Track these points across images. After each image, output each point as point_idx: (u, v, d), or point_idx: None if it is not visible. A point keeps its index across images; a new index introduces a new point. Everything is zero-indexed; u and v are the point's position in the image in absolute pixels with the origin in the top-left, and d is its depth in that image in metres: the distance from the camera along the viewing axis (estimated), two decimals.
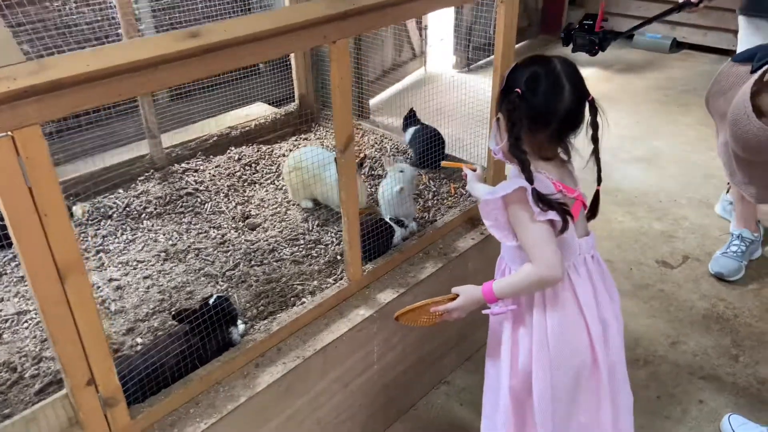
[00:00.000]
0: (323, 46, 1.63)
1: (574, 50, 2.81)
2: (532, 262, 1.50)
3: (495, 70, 2.20)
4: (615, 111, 4.80)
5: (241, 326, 1.81)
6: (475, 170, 1.97)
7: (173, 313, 1.65)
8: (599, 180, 1.64)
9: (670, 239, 3.25)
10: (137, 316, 1.90)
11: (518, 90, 1.49)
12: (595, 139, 1.56)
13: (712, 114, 2.38)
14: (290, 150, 2.81)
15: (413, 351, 2.14)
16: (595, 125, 1.55)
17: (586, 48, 2.75)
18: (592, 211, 1.68)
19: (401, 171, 2.30)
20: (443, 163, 2.38)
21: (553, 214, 1.47)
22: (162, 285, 2.03)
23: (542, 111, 1.49)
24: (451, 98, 2.60)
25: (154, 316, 1.90)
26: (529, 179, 1.48)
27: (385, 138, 2.91)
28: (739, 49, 2.76)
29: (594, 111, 1.54)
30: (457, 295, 1.66)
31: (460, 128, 2.63)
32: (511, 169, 1.63)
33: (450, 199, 2.45)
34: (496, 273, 1.75)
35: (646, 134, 4.41)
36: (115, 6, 2.34)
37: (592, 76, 5.48)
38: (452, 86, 2.52)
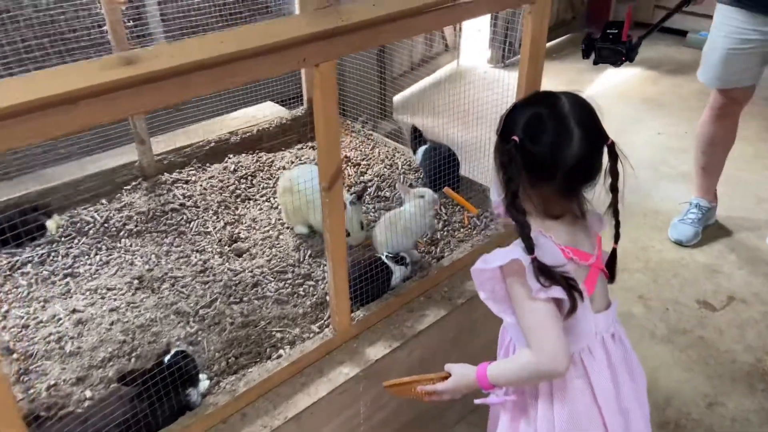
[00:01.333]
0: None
1: (596, 62, 2.49)
2: (530, 349, 1.23)
3: (519, 89, 1.90)
4: (660, 118, 4.41)
5: (204, 383, 1.57)
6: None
7: (119, 375, 1.42)
8: (617, 237, 1.37)
9: (713, 275, 2.91)
10: (92, 360, 1.68)
11: (515, 138, 1.22)
12: (614, 190, 1.30)
13: None
14: (292, 162, 2.55)
15: (409, 408, 1.89)
16: (614, 173, 1.28)
17: (611, 60, 2.43)
18: (609, 274, 1.39)
19: (421, 196, 2.02)
20: (446, 190, 2.10)
21: (557, 291, 1.20)
22: (127, 322, 1.81)
23: (545, 162, 1.23)
24: (482, 96, 2.34)
25: (111, 363, 1.68)
26: (529, 247, 1.21)
27: (398, 152, 2.62)
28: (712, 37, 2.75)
29: (614, 157, 1.27)
30: (449, 375, 1.39)
31: (490, 131, 2.35)
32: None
33: (462, 230, 2.17)
34: (499, 348, 1.48)
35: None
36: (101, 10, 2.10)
37: (637, 77, 5.07)
38: (484, 83, 2.23)
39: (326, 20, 1.30)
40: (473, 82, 4.53)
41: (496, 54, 5.11)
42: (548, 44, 4.14)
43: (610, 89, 3.35)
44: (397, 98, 4.30)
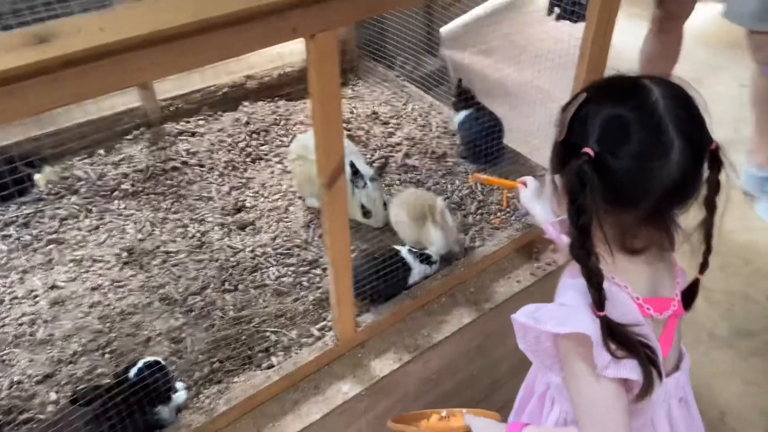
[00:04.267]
0: None
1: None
2: (581, 430, 0.95)
3: (582, 57, 1.53)
4: (746, 67, 3.85)
5: (180, 394, 1.37)
6: (524, 184, 1.40)
7: (73, 396, 1.22)
8: (704, 266, 1.03)
9: None
10: (62, 353, 1.49)
11: (588, 151, 0.89)
12: (711, 206, 0.96)
13: None
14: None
15: None
16: (714, 185, 0.95)
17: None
18: (686, 304, 1.07)
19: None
20: (474, 176, 1.76)
21: (629, 368, 0.91)
22: (108, 305, 1.60)
23: (630, 184, 0.90)
24: (539, 34, 1.97)
25: (83, 358, 1.48)
26: (599, 303, 0.91)
27: (434, 110, 2.28)
28: None
29: (717, 165, 0.93)
30: (469, 430, 1.14)
31: (542, 77, 1.98)
32: (567, 269, 1.04)
33: (499, 215, 1.85)
34: (525, 394, 1.21)
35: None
36: None
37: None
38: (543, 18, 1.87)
39: None
40: (534, 14, 4.03)
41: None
42: None
43: (687, 30, 2.90)
44: (446, 30, 3.85)
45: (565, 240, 1.03)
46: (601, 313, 0.91)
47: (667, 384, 1.05)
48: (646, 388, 0.92)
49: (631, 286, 0.97)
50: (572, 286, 0.97)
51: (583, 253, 0.91)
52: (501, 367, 1.79)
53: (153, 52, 0.88)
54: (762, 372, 2.14)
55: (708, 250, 1.01)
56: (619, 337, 0.91)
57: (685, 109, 0.91)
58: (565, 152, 0.94)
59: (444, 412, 1.28)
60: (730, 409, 2.03)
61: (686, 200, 0.95)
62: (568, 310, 0.94)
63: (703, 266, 1.03)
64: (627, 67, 1.03)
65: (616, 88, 0.96)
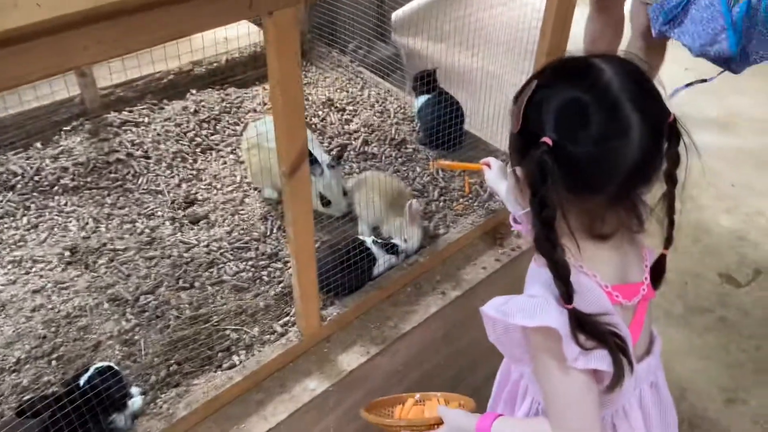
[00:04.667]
0: None
1: None
2: (552, 424, 0.94)
3: (543, 36, 1.51)
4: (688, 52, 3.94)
5: (136, 400, 1.28)
6: (488, 166, 1.37)
7: (19, 408, 1.12)
8: (668, 241, 1.01)
9: (739, 243, 2.60)
10: (4, 362, 1.38)
11: (547, 140, 0.85)
12: (671, 180, 0.94)
13: None
14: (265, 104, 2.15)
15: None
16: (674, 158, 0.92)
17: None
18: (654, 282, 1.04)
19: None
20: (437, 163, 1.73)
21: (599, 358, 0.88)
22: (52, 308, 1.50)
23: (593, 168, 0.87)
24: (492, 18, 1.93)
25: (27, 366, 1.38)
26: (567, 296, 0.87)
27: (391, 95, 2.22)
28: None
29: (676, 137, 0.91)
30: (440, 421, 1.10)
31: (497, 62, 1.95)
32: (534, 261, 1.00)
33: (461, 201, 1.82)
34: (500, 386, 1.18)
35: (725, 87, 3.58)
36: None
37: None
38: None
39: None
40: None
41: None
42: None
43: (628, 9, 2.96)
44: (397, 15, 3.79)
45: (531, 232, 1.00)
46: (569, 306, 0.88)
47: (638, 371, 1.03)
48: (617, 379, 0.90)
49: (600, 275, 0.94)
50: (539, 276, 0.94)
51: (548, 246, 0.87)
52: (467, 355, 1.77)
53: (97, 29, 0.80)
54: (716, 347, 2.19)
55: (671, 225, 0.99)
56: (588, 327, 0.88)
57: (639, 84, 0.88)
58: (522, 143, 0.91)
59: (418, 396, 1.25)
60: (689, 385, 2.07)
61: (651, 177, 0.92)
62: (536, 302, 0.91)
63: (668, 241, 1.01)
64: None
65: (567, 71, 0.92)
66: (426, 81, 1.93)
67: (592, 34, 2.72)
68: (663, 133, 0.89)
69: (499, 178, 1.36)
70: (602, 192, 0.89)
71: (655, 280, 1.04)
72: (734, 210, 2.76)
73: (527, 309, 0.90)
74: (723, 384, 2.08)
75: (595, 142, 0.85)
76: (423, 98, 1.97)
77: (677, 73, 3.68)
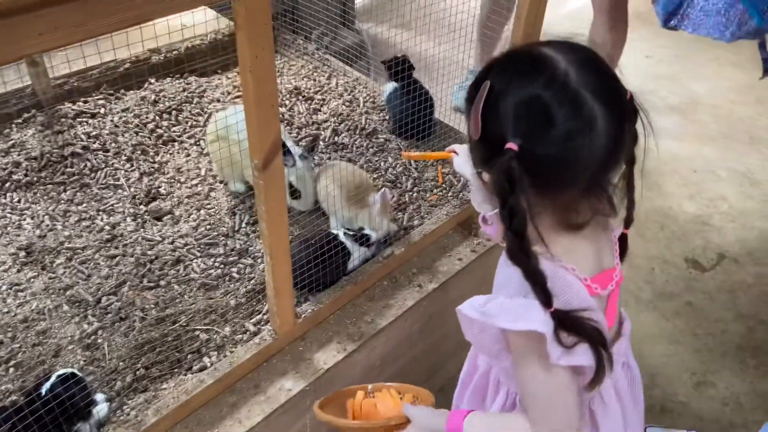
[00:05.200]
0: None
1: None
2: (530, 420, 0.92)
3: (518, 21, 1.47)
4: (650, 38, 3.99)
5: (102, 407, 1.21)
6: (455, 152, 1.34)
7: None
8: (629, 221, 1.00)
9: (703, 228, 2.64)
10: None
11: (512, 146, 0.81)
12: (630, 158, 0.93)
13: None
14: (228, 93, 2.08)
15: None
16: (633, 136, 0.91)
17: None
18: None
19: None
20: (405, 155, 1.69)
21: (581, 353, 0.87)
22: (7, 312, 1.41)
23: (564, 169, 0.84)
24: (456, 6, 1.88)
25: None
26: (547, 300, 0.85)
27: (360, 84, 2.17)
28: None
29: (633, 114, 0.89)
30: (408, 421, 1.07)
31: (463, 51, 1.91)
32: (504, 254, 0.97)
33: (435, 192, 1.79)
34: (468, 376, 1.16)
35: (685, 74, 3.65)
36: None
37: None
38: None
39: None
40: None
41: None
42: None
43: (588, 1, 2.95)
44: (361, 2, 3.73)
45: (500, 231, 0.97)
46: (551, 309, 0.85)
47: (612, 354, 1.02)
48: (599, 374, 0.88)
49: (579, 268, 0.91)
50: (515, 273, 0.89)
51: (521, 255, 0.84)
52: (442, 347, 1.75)
53: (53, 13, 0.73)
54: (685, 332, 2.22)
55: (631, 204, 0.97)
56: (569, 324, 0.86)
57: (596, 71, 0.85)
58: (485, 149, 0.87)
59: (370, 387, 1.19)
60: (658, 370, 2.09)
61: (620, 159, 0.90)
62: (518, 304, 0.88)
63: (628, 221, 1.00)
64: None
65: (519, 66, 0.87)
66: (394, 68, 1.88)
67: (595, 39, 2.64)
68: (626, 115, 0.87)
69: (466, 163, 1.34)
70: (575, 185, 0.87)
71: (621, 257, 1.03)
72: (697, 196, 2.81)
73: (510, 311, 0.87)
74: (692, 368, 2.11)
75: (562, 140, 0.82)
76: (391, 86, 1.92)
77: (639, 61, 3.73)
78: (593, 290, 0.92)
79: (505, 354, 0.98)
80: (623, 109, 0.86)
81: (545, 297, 0.84)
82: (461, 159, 1.33)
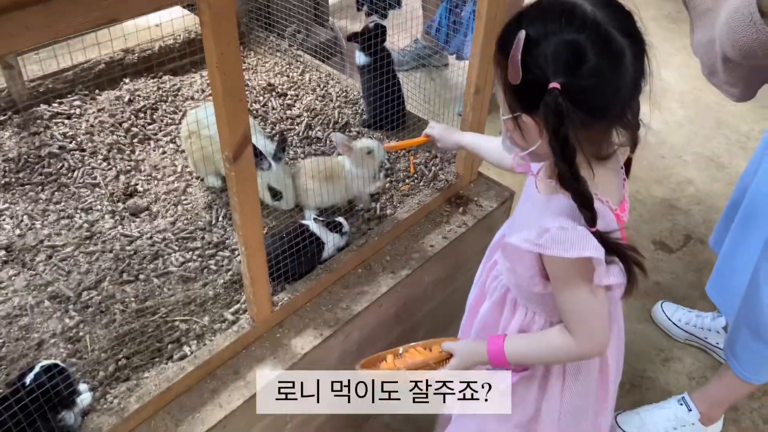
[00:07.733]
0: None
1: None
2: (573, 334, 1.10)
3: (479, 17, 1.53)
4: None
5: (85, 396, 1.25)
6: (429, 137, 1.57)
7: None
8: (634, 145, 1.10)
9: (670, 211, 2.73)
10: None
11: (556, 86, 0.92)
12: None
13: (688, 7, 1.79)
14: (203, 91, 2.11)
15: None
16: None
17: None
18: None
19: (369, 152, 1.67)
20: (386, 146, 1.74)
21: (615, 273, 1.01)
22: None
23: (602, 100, 0.96)
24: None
25: None
26: (592, 221, 0.97)
27: (332, 79, 2.21)
28: None
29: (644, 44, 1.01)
30: (450, 355, 1.23)
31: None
32: (537, 190, 1.09)
33: (407, 181, 1.84)
34: (478, 295, 1.33)
35: (654, 62, 3.72)
36: None
37: None
38: None
39: None
40: None
41: None
42: None
43: None
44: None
45: (535, 169, 1.13)
46: (594, 229, 0.97)
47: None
48: (632, 284, 1.02)
49: (611, 199, 1.04)
50: (552, 205, 1.03)
51: (572, 181, 0.95)
52: (417, 331, 1.80)
53: (26, 14, 0.77)
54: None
55: (636, 126, 1.06)
56: (610, 245, 0.98)
57: (616, 10, 0.95)
58: (525, 92, 0.96)
59: (401, 349, 1.30)
60: (628, 347, 2.14)
61: (640, 88, 1.00)
62: (570, 235, 0.98)
63: (633, 145, 1.09)
64: None
65: (553, 16, 0.96)
66: (368, 38, 1.86)
67: None
68: (642, 45, 0.98)
69: (448, 134, 1.52)
70: (608, 115, 0.98)
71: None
72: (665, 180, 2.89)
73: (564, 242, 0.98)
74: (659, 345, 2.19)
75: (598, 74, 0.92)
76: (364, 58, 1.93)
77: None
78: (620, 218, 1.05)
79: (538, 278, 1.11)
80: (641, 40, 0.97)
81: (591, 216, 0.95)
82: (440, 133, 1.54)
